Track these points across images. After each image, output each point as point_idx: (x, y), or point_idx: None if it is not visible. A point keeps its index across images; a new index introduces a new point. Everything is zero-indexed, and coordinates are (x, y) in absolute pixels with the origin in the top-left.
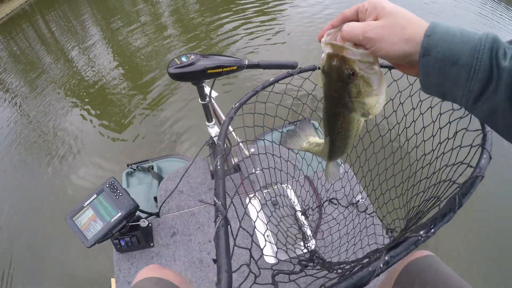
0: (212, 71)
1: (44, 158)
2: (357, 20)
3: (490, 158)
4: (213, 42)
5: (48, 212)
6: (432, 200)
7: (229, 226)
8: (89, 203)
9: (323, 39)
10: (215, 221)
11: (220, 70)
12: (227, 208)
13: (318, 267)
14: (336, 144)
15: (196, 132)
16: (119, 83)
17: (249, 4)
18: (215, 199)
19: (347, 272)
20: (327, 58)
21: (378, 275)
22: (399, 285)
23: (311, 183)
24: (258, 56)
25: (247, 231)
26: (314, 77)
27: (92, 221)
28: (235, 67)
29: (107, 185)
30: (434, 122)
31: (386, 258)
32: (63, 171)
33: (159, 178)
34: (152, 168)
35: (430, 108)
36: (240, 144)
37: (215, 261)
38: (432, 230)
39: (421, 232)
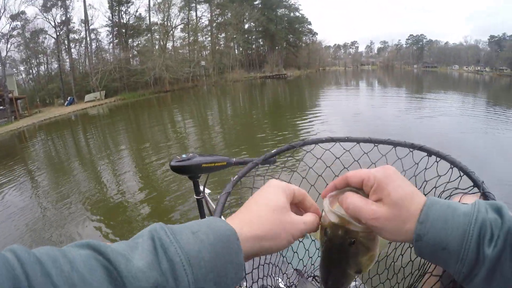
0: (205, 165)
1: None
2: (361, 187)
3: None
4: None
5: None
6: None
7: None
8: None
9: (326, 201)
10: None
11: (213, 165)
12: None
13: None
14: None
15: None
16: (136, 200)
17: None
18: None
19: None
20: (332, 227)
21: None
22: None
23: (302, 277)
24: None
25: None
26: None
27: None
28: (224, 163)
29: None
30: None
31: None
32: None
33: None
34: None
35: None
36: None
37: None
38: None
39: None
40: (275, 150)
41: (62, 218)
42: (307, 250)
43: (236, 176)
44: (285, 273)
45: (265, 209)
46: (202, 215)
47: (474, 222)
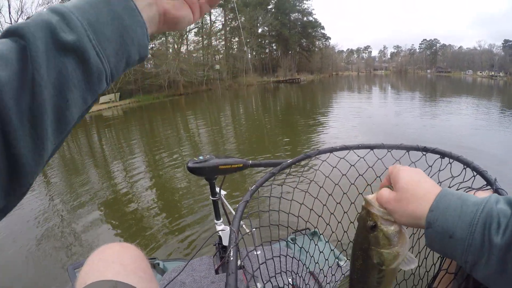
0: (222, 167)
1: (57, 254)
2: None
3: None
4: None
5: None
6: None
7: None
8: None
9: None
10: None
11: (229, 166)
12: None
13: None
14: (355, 286)
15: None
16: (150, 201)
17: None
18: None
19: None
20: (362, 209)
21: None
22: None
23: (317, 280)
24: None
25: None
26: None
27: None
28: (241, 165)
29: None
30: None
31: None
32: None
33: (163, 274)
34: (158, 265)
35: None
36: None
37: None
38: None
39: None
40: (291, 160)
41: (74, 215)
42: (322, 252)
43: (254, 186)
44: (297, 273)
45: None
46: (218, 217)
47: (481, 211)
